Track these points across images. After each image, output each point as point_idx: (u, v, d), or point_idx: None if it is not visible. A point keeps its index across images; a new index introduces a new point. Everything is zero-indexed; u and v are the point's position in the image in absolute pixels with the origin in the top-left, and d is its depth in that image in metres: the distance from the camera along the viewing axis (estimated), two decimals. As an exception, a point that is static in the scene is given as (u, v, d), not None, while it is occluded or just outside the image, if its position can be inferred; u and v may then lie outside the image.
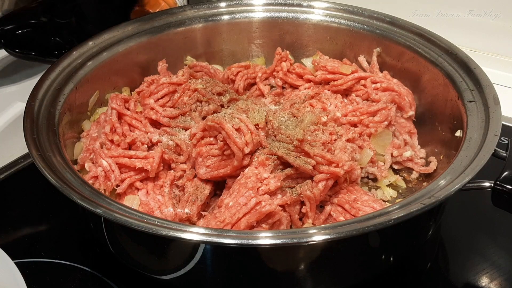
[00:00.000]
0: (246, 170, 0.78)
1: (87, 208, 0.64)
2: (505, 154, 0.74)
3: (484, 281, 0.78)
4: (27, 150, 0.98)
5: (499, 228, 0.86)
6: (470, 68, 0.87)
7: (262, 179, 0.76)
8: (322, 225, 0.64)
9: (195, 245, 0.64)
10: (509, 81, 1.18)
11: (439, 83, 0.91)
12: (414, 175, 0.90)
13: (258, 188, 0.74)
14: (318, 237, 0.60)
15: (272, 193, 0.76)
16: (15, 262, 0.71)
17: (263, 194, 0.74)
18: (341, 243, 0.65)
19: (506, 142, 0.78)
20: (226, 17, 1.08)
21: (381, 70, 1.01)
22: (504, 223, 0.86)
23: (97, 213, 0.63)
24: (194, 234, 0.60)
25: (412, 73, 0.97)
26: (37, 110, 0.81)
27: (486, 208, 0.86)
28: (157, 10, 1.17)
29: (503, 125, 0.75)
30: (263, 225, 0.72)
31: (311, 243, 0.61)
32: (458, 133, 0.83)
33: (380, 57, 1.02)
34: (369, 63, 1.03)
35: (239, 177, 0.79)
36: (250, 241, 0.60)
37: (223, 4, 1.09)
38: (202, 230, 0.61)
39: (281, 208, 0.74)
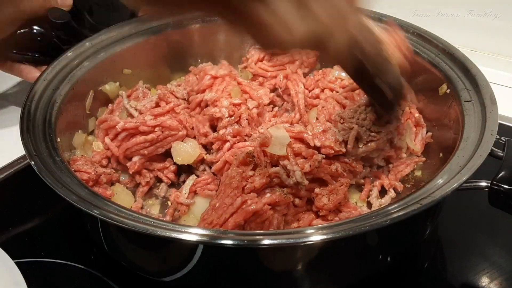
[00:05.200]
0: (229, 170, 0.78)
1: (84, 209, 0.63)
2: (502, 154, 0.73)
3: (484, 281, 0.77)
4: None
5: (498, 228, 0.85)
6: (467, 68, 0.86)
7: (247, 177, 0.75)
8: (319, 225, 0.64)
9: (193, 246, 0.63)
10: (509, 81, 1.17)
11: (436, 82, 0.90)
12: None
13: (243, 187, 0.73)
14: (316, 237, 0.60)
15: (259, 191, 0.75)
16: (15, 262, 0.71)
17: (249, 193, 0.73)
18: (338, 243, 0.64)
19: (503, 142, 0.77)
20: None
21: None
22: (503, 223, 0.85)
23: (93, 214, 0.62)
24: (192, 235, 0.59)
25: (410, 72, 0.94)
26: (33, 111, 0.80)
27: (485, 208, 0.85)
28: None
29: (503, 125, 0.74)
30: (252, 225, 0.71)
31: (308, 243, 0.60)
32: (454, 133, 0.82)
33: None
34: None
35: (222, 178, 0.78)
36: (248, 241, 0.59)
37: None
38: (200, 231, 0.60)
39: (270, 207, 0.73)
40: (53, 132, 0.79)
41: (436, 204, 0.64)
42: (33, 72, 1.03)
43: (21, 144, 0.97)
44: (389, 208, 0.63)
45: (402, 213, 0.61)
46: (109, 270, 0.79)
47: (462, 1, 1.20)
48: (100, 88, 0.97)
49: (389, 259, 0.74)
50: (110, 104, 0.98)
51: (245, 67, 1.06)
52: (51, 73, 0.89)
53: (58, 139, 0.79)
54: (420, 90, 0.95)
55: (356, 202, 0.84)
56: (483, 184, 0.69)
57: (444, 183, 0.65)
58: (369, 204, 0.85)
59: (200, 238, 0.59)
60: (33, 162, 0.70)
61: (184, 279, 0.69)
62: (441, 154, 0.87)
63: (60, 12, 1.02)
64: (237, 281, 0.70)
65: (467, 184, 0.66)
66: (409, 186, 0.89)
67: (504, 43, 1.21)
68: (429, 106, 0.94)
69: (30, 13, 0.99)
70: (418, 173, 0.90)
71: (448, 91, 0.87)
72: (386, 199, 0.84)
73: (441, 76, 0.89)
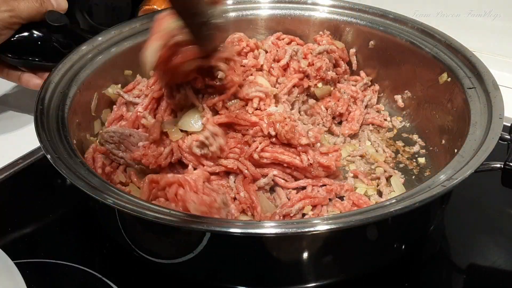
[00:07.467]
0: None
1: (128, 211, 0.63)
2: (508, 137, 0.74)
3: (483, 280, 0.76)
4: (26, 151, 0.97)
5: (499, 228, 0.84)
6: (466, 56, 0.87)
7: None
8: (329, 215, 0.64)
9: (202, 233, 0.64)
10: (510, 81, 1.18)
11: (436, 72, 0.90)
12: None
13: None
14: (322, 227, 0.59)
15: None
16: (15, 262, 0.68)
17: None
18: (350, 231, 0.64)
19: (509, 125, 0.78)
20: (232, 14, 1.06)
21: (377, 62, 1.03)
22: (504, 223, 0.85)
23: (127, 212, 0.63)
24: (202, 224, 0.61)
25: (409, 63, 0.97)
26: (46, 113, 0.78)
27: (487, 207, 0.86)
28: (163, 7, 1.15)
29: (505, 126, 0.75)
30: None
31: (315, 232, 0.60)
32: (459, 120, 0.83)
33: (376, 49, 1.03)
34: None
35: None
36: (254, 230, 0.60)
37: (229, 2, 1.07)
38: (210, 220, 0.62)
39: None
40: (67, 132, 0.77)
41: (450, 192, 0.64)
42: (34, 79, 1.01)
43: (21, 145, 0.98)
44: (412, 191, 0.62)
45: (428, 195, 0.60)
46: (109, 270, 0.77)
47: (462, 1, 1.20)
48: (103, 91, 0.95)
49: (403, 247, 0.74)
50: (114, 106, 0.96)
51: None
52: (57, 76, 0.87)
53: (74, 141, 0.77)
54: (420, 79, 0.96)
55: (366, 191, 0.83)
56: (497, 165, 0.69)
57: (461, 166, 0.65)
58: (379, 192, 0.84)
59: (209, 227, 0.60)
60: (56, 164, 0.68)
61: (190, 262, 0.70)
62: (443, 141, 0.87)
63: (58, 15, 1.01)
64: (242, 269, 0.70)
65: (482, 166, 0.66)
66: (414, 170, 0.88)
67: (505, 43, 1.21)
68: (429, 95, 0.94)
69: (26, 17, 0.97)
70: (421, 160, 0.90)
71: (449, 79, 0.87)
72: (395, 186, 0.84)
73: (441, 66, 0.90)
